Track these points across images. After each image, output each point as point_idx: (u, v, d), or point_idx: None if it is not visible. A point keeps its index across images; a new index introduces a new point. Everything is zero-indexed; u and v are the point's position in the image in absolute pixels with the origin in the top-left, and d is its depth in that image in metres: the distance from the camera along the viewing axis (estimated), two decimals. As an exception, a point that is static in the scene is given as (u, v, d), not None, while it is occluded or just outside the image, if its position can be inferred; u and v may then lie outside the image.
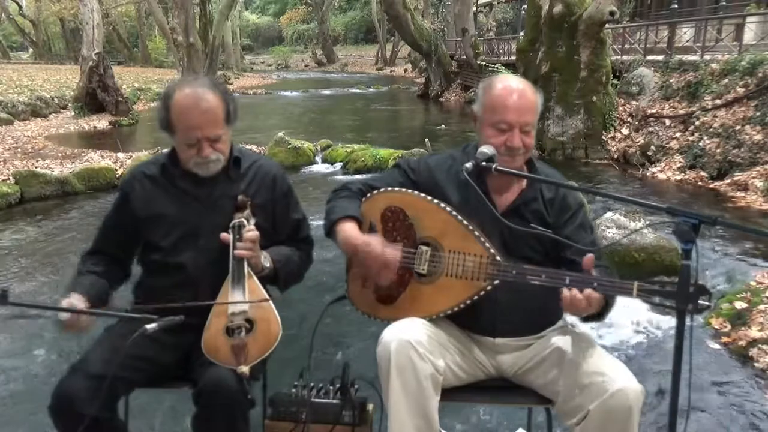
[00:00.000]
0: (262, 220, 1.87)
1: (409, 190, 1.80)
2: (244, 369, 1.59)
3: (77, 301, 1.66)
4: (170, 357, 1.80)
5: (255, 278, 1.75)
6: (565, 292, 1.52)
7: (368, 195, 1.84)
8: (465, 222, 1.70)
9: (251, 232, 1.75)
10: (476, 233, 1.68)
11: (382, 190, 1.83)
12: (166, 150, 1.94)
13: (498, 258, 1.66)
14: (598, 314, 1.67)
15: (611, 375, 1.54)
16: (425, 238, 1.75)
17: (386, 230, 1.79)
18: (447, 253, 1.71)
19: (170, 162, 1.89)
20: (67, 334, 1.66)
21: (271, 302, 1.73)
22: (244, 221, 1.78)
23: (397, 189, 1.82)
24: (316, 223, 1.99)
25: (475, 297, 1.68)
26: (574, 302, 1.51)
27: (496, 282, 1.65)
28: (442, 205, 1.74)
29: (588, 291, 1.49)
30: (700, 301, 1.33)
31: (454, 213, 1.72)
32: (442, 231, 1.72)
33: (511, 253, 1.69)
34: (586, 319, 1.72)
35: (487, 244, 1.67)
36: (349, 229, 1.73)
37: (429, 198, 1.76)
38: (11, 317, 3.63)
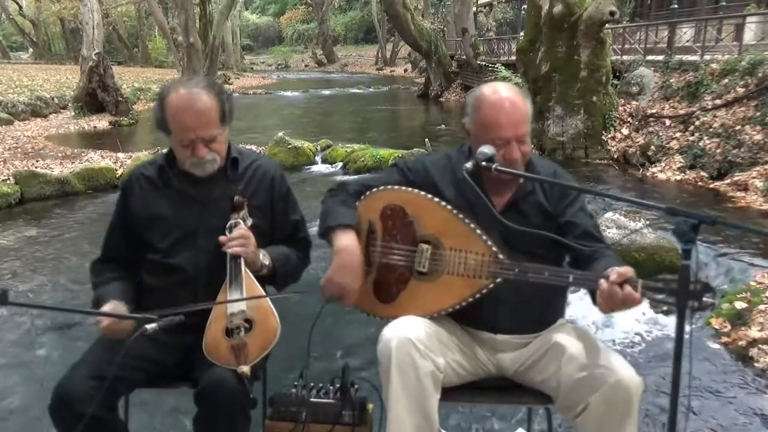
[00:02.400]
0: (261, 221, 1.87)
1: (409, 188, 1.80)
2: (245, 369, 1.59)
3: (117, 307, 1.67)
4: (170, 357, 1.80)
5: (252, 277, 1.75)
6: (604, 284, 1.45)
7: (367, 193, 1.84)
8: (467, 220, 1.70)
9: (240, 229, 1.75)
10: (478, 231, 1.68)
11: (381, 188, 1.83)
12: (165, 150, 1.94)
13: (501, 256, 1.66)
14: None
15: (610, 367, 1.54)
16: (426, 236, 1.75)
17: (386, 228, 1.79)
18: (448, 251, 1.71)
19: (167, 163, 1.88)
20: (111, 336, 1.63)
21: (268, 300, 1.73)
22: (240, 221, 1.78)
23: (397, 187, 1.81)
24: (315, 224, 1.98)
25: (477, 295, 1.68)
26: (612, 295, 1.43)
27: (499, 280, 1.65)
28: (443, 203, 1.74)
29: (629, 290, 1.42)
30: (704, 299, 1.33)
31: (455, 211, 1.72)
32: (443, 229, 1.72)
33: (514, 249, 1.69)
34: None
35: (490, 242, 1.67)
36: (346, 243, 1.73)
37: (429, 196, 1.76)
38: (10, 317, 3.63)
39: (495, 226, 1.70)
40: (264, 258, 1.82)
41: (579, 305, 3.68)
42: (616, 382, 1.51)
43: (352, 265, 1.72)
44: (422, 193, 1.78)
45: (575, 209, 1.75)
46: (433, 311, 1.73)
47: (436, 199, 1.75)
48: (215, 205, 1.85)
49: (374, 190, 1.83)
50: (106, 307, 1.66)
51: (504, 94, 1.70)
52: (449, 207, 1.73)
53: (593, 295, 1.60)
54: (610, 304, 1.46)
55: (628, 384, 1.51)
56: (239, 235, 1.75)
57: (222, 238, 1.76)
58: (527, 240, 1.70)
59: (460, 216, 1.71)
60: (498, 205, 1.75)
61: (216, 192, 1.86)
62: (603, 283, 1.46)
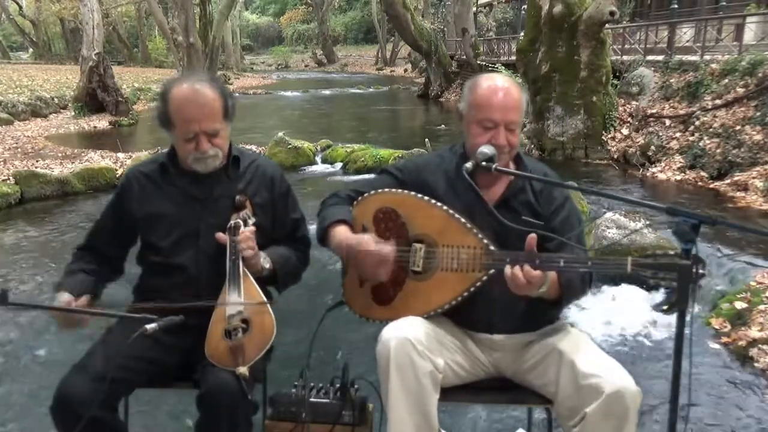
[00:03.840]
0: (262, 220, 1.87)
1: (400, 190, 1.81)
2: (243, 370, 1.59)
3: (67, 300, 1.69)
4: (170, 357, 1.80)
5: (251, 278, 1.75)
6: (507, 269, 1.55)
7: (359, 198, 1.85)
8: (457, 216, 1.70)
9: (245, 232, 1.75)
10: (469, 225, 1.69)
11: (373, 192, 1.83)
12: (165, 150, 1.94)
13: (492, 248, 1.66)
14: (555, 301, 1.67)
15: (608, 377, 1.54)
16: (419, 235, 1.75)
17: (379, 231, 1.79)
18: (441, 248, 1.71)
19: (169, 161, 1.88)
20: (66, 330, 1.66)
21: (264, 299, 1.72)
22: (240, 222, 1.78)
23: (388, 190, 1.82)
24: (314, 225, 1.99)
25: (472, 288, 1.68)
26: (514, 279, 1.53)
27: (492, 272, 1.65)
28: (434, 201, 1.75)
29: (527, 268, 1.52)
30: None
31: (445, 208, 1.72)
32: (436, 227, 1.73)
33: (505, 246, 1.69)
34: (545, 305, 1.70)
35: (480, 235, 1.67)
36: (340, 232, 1.73)
37: (420, 195, 1.77)
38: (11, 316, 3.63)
39: (487, 223, 1.70)
40: (265, 261, 1.81)
41: (579, 307, 3.68)
42: (612, 392, 1.50)
43: (350, 241, 1.70)
44: (413, 193, 1.78)
45: (561, 217, 1.76)
46: (430, 309, 1.73)
47: (426, 198, 1.76)
48: (217, 204, 1.85)
49: (365, 195, 1.84)
50: (60, 297, 1.71)
51: (500, 82, 1.73)
52: (440, 204, 1.73)
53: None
54: (514, 287, 1.56)
55: (625, 394, 1.51)
56: (245, 237, 1.75)
57: (220, 235, 1.76)
58: (516, 238, 1.70)
59: (451, 212, 1.71)
60: (490, 203, 1.76)
61: (217, 191, 1.86)
62: (506, 269, 1.55)
